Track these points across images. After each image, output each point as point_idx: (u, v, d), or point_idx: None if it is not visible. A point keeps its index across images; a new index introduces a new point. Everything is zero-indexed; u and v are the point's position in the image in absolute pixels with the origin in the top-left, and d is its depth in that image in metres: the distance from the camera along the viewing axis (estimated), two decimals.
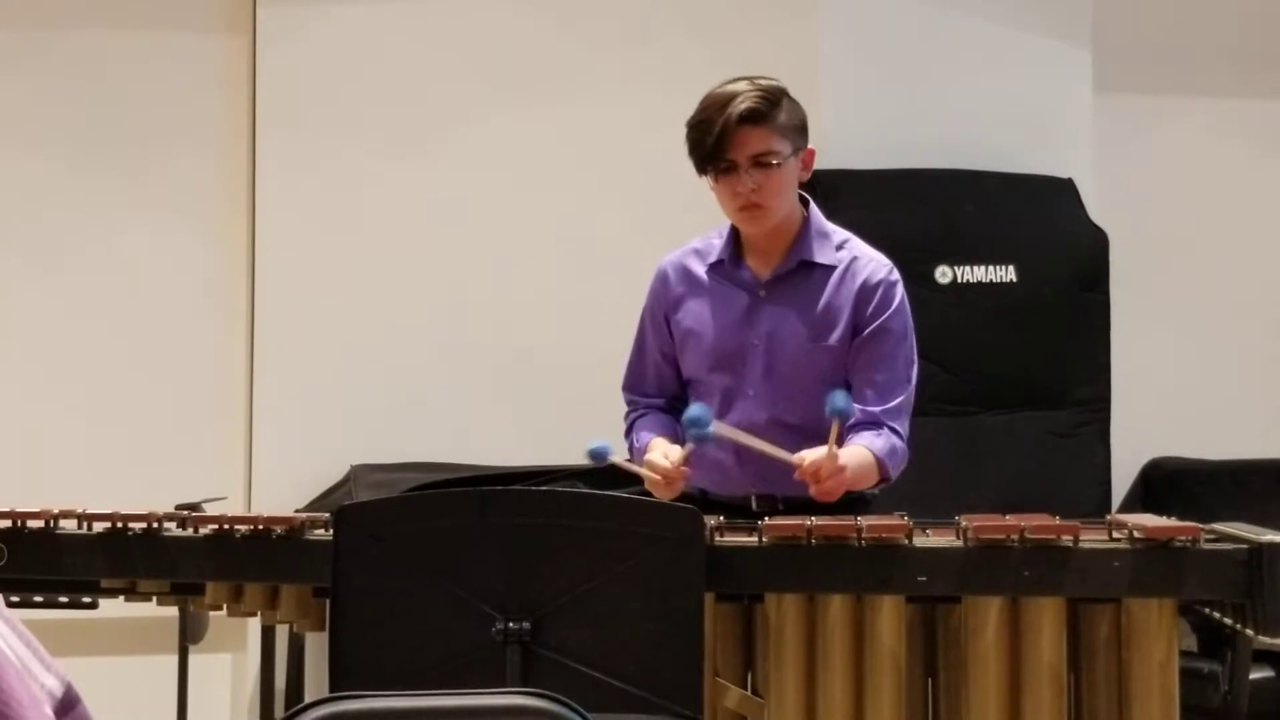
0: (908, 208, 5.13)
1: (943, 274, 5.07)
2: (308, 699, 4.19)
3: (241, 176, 5.05)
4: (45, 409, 4.94)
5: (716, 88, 3.20)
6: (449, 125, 5.09)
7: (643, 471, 3.14)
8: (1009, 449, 5.09)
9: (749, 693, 2.78)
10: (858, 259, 3.27)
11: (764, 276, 3.27)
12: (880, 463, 3.13)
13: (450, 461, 4.90)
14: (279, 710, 4.55)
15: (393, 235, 5.05)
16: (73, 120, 5.01)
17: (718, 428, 3.08)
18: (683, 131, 3.23)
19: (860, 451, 3.10)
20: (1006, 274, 5.10)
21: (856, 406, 3.13)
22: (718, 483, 3.24)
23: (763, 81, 3.20)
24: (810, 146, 3.25)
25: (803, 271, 3.25)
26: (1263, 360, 5.57)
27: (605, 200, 5.07)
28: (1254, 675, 4.44)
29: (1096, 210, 5.27)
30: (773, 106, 3.17)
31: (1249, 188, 5.63)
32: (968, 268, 5.08)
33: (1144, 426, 5.35)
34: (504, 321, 5.05)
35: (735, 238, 3.30)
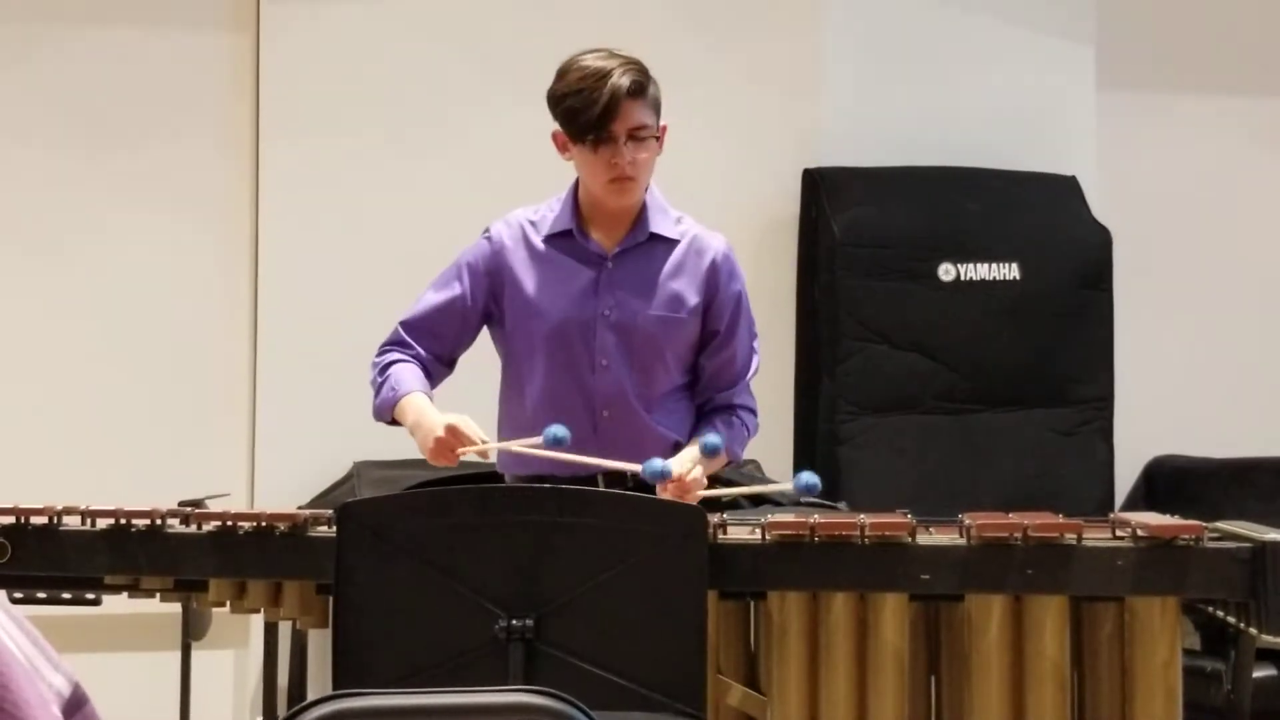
0: (911, 205, 5.13)
1: (945, 272, 5.07)
2: (310, 696, 4.20)
3: (245, 173, 5.05)
4: (49, 406, 4.94)
5: (579, 57, 3.23)
6: (453, 122, 5.09)
7: (508, 448, 3.15)
8: (1012, 447, 5.09)
9: (752, 690, 2.78)
10: (699, 235, 3.33)
11: (610, 249, 3.29)
12: (729, 450, 3.22)
13: None
14: (282, 707, 4.55)
15: (396, 231, 5.05)
16: (76, 117, 5.01)
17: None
18: (682, 130, 3.25)
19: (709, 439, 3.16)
20: (1010, 272, 5.10)
21: (711, 391, 3.29)
22: (559, 462, 3.14)
23: (623, 53, 3.24)
24: (664, 123, 3.27)
25: (649, 244, 3.29)
26: (1266, 358, 5.57)
27: None
28: (1257, 674, 4.44)
29: (1100, 208, 5.27)
30: (648, 81, 3.22)
31: (1253, 185, 5.63)
32: (971, 265, 5.08)
33: (1147, 424, 5.35)
34: None
35: (576, 209, 3.32)
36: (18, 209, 4.98)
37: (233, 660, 5.01)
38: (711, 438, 3.11)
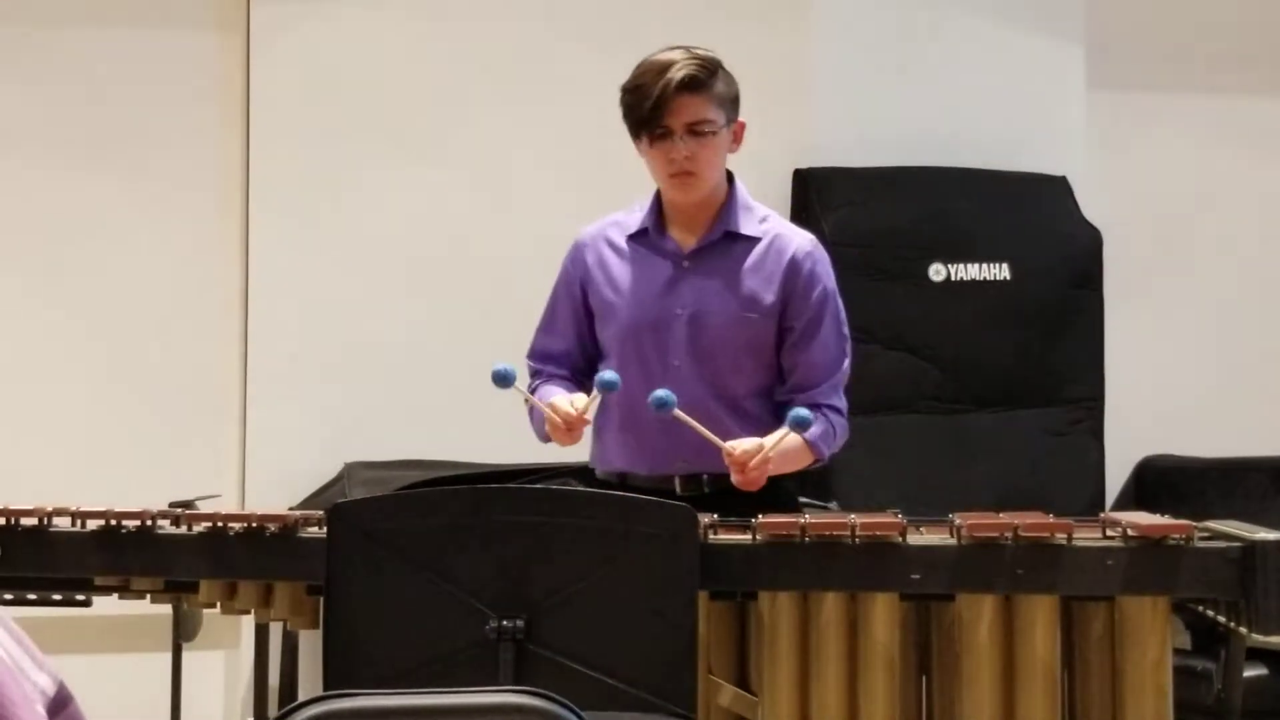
0: (901, 205, 5.14)
1: (936, 272, 5.08)
2: (301, 697, 4.19)
3: (235, 175, 5.05)
4: (39, 407, 4.93)
5: (651, 55, 3.23)
6: (443, 124, 5.09)
7: (545, 410, 3.13)
8: (1003, 447, 5.10)
9: (743, 690, 2.78)
10: (781, 234, 3.29)
11: (688, 247, 3.28)
12: (813, 445, 3.17)
13: (444, 459, 4.90)
14: (272, 708, 4.55)
15: (386, 233, 5.05)
16: (65, 119, 5.00)
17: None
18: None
19: (792, 439, 3.10)
20: (1000, 272, 5.11)
21: (794, 392, 3.22)
22: (640, 461, 3.21)
23: (699, 51, 3.22)
24: (742, 120, 3.26)
25: (727, 243, 3.27)
26: (1256, 358, 5.58)
27: (600, 200, 5.04)
28: (1248, 673, 4.45)
29: (1090, 208, 5.27)
30: (710, 75, 3.19)
31: (1243, 186, 5.63)
32: (961, 265, 5.08)
33: (1138, 424, 5.36)
34: (497, 318, 5.04)
35: (659, 209, 3.31)
36: (6, 211, 4.97)
37: (224, 661, 5.01)
38: (802, 411, 2.99)
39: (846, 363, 3.31)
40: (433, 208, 5.07)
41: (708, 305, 3.23)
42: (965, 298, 5.08)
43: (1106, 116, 5.45)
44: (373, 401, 5.00)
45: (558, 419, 3.10)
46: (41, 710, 1.43)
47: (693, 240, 3.28)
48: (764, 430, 3.18)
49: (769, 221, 3.31)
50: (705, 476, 3.17)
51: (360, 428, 4.96)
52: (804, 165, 5.14)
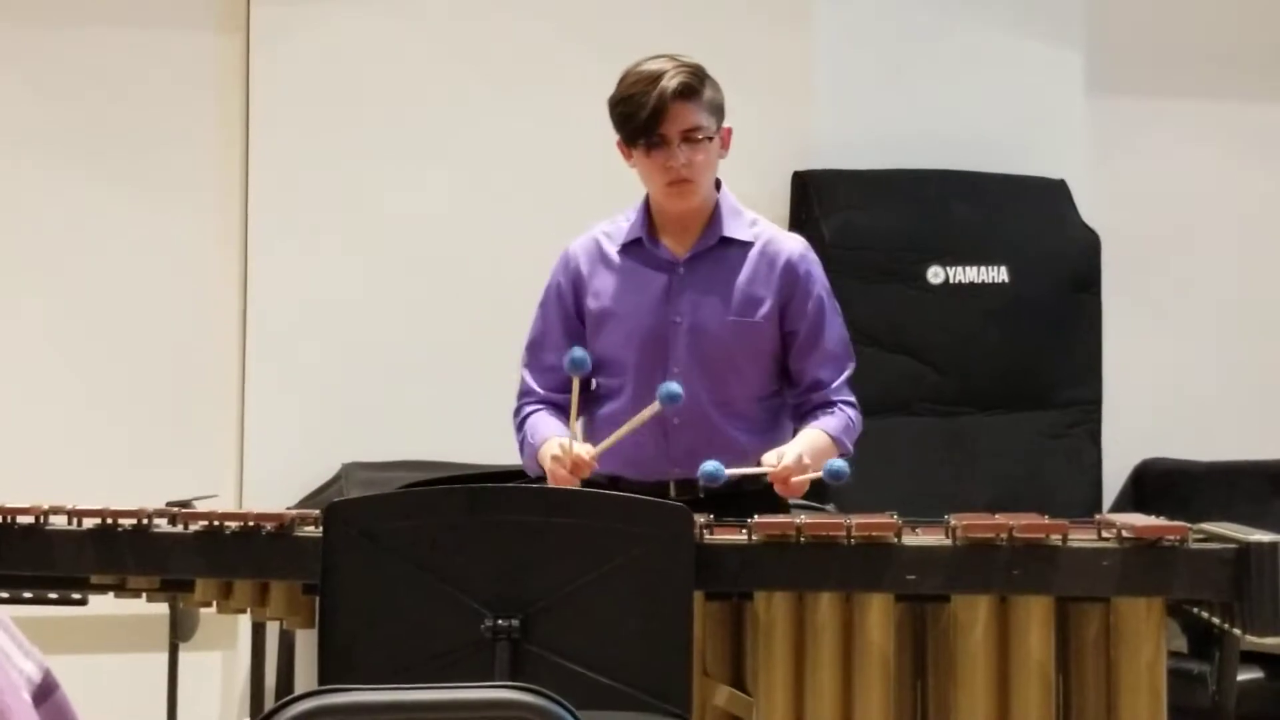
0: (900, 208, 5.14)
1: (935, 274, 5.08)
2: None
3: (235, 175, 5.05)
4: (36, 405, 4.93)
5: (638, 64, 3.22)
6: (442, 124, 5.10)
7: (550, 462, 3.11)
8: (1000, 450, 5.10)
9: (738, 691, 2.78)
10: (773, 238, 3.31)
11: (682, 255, 3.28)
12: (837, 441, 3.21)
13: (441, 460, 4.90)
14: (269, 708, 4.54)
15: (385, 233, 5.06)
16: (66, 118, 5.00)
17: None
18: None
19: (818, 437, 3.17)
20: (999, 275, 5.11)
21: (808, 393, 3.25)
22: (634, 465, 3.20)
23: (685, 59, 3.22)
24: (728, 125, 3.27)
25: (721, 248, 3.28)
26: (1253, 362, 5.58)
27: (599, 201, 5.04)
28: (1243, 677, 4.44)
29: (1089, 212, 5.28)
30: (701, 83, 3.20)
31: (1240, 190, 5.64)
32: (960, 268, 5.09)
33: (1135, 428, 5.36)
34: (495, 319, 5.04)
35: (648, 218, 3.31)
36: (6, 209, 4.97)
37: (220, 661, 5.01)
38: (839, 465, 3.03)
39: (851, 362, 3.34)
40: (431, 209, 5.07)
41: (706, 313, 3.24)
42: (964, 301, 5.09)
43: (1105, 120, 5.45)
44: (370, 402, 5.00)
45: (563, 471, 3.06)
46: (27, 697, 1.43)
47: (686, 248, 3.28)
48: (761, 433, 3.22)
49: (758, 225, 3.33)
50: (700, 481, 3.17)
51: (358, 428, 4.96)
52: (804, 168, 5.14)
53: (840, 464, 3.04)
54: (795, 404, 3.30)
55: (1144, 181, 5.56)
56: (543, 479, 3.22)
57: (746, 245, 3.28)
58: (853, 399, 3.31)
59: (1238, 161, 5.63)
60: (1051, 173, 5.28)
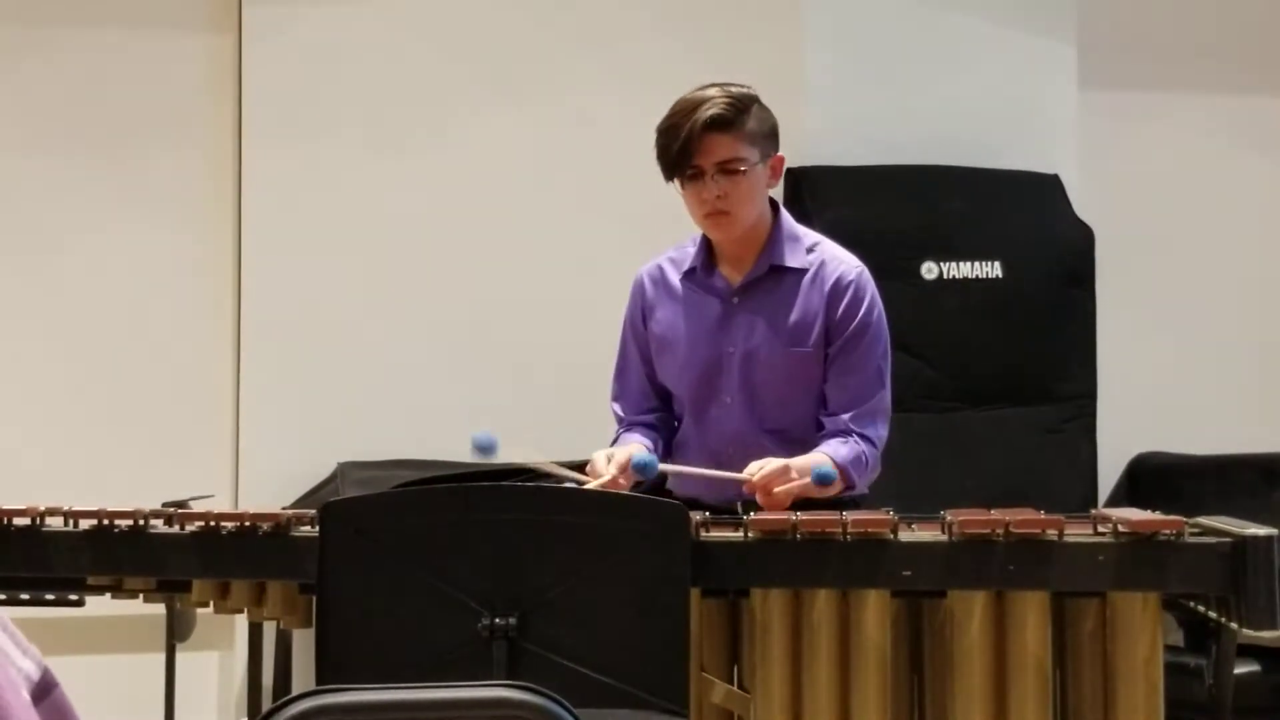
0: (893, 204, 5.14)
1: (928, 270, 5.08)
2: None
3: (228, 174, 5.05)
4: (31, 406, 4.93)
5: (689, 93, 3.19)
6: (434, 123, 5.10)
7: (559, 472, 3.12)
8: (995, 445, 5.10)
9: (735, 688, 2.78)
10: (826, 262, 3.25)
11: (736, 283, 3.26)
12: (843, 471, 3.10)
13: (437, 459, 4.90)
14: (267, 709, 4.54)
15: (379, 232, 5.06)
16: (58, 118, 5.00)
17: (663, 467, 3.14)
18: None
19: (820, 459, 3.09)
20: (992, 270, 5.12)
21: (828, 414, 3.20)
22: (708, 491, 3.22)
23: (734, 89, 3.17)
24: (780, 154, 3.25)
25: (774, 276, 3.25)
26: (1248, 355, 5.59)
27: (593, 200, 5.07)
28: (1239, 670, 4.45)
29: (1082, 206, 5.28)
30: (740, 113, 3.15)
31: (1234, 183, 5.65)
32: (953, 264, 5.09)
33: (1130, 422, 5.37)
34: (491, 319, 5.06)
35: (707, 245, 3.30)
36: None
37: (217, 662, 5.01)
38: (825, 469, 3.01)
39: (884, 394, 3.25)
40: (425, 208, 5.07)
41: (758, 343, 3.22)
42: (958, 296, 5.09)
43: (1098, 115, 5.46)
44: (366, 402, 5.00)
45: (592, 481, 3.06)
46: (26, 695, 1.43)
47: (740, 276, 3.27)
48: None
49: (816, 250, 3.28)
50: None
51: (353, 428, 4.96)
52: (796, 165, 5.14)
53: (828, 468, 3.01)
54: (819, 421, 3.24)
55: (1137, 176, 5.57)
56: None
57: (801, 272, 3.24)
58: (874, 435, 3.21)
59: (1231, 155, 5.64)
60: (1045, 167, 5.29)
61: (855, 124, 5.19)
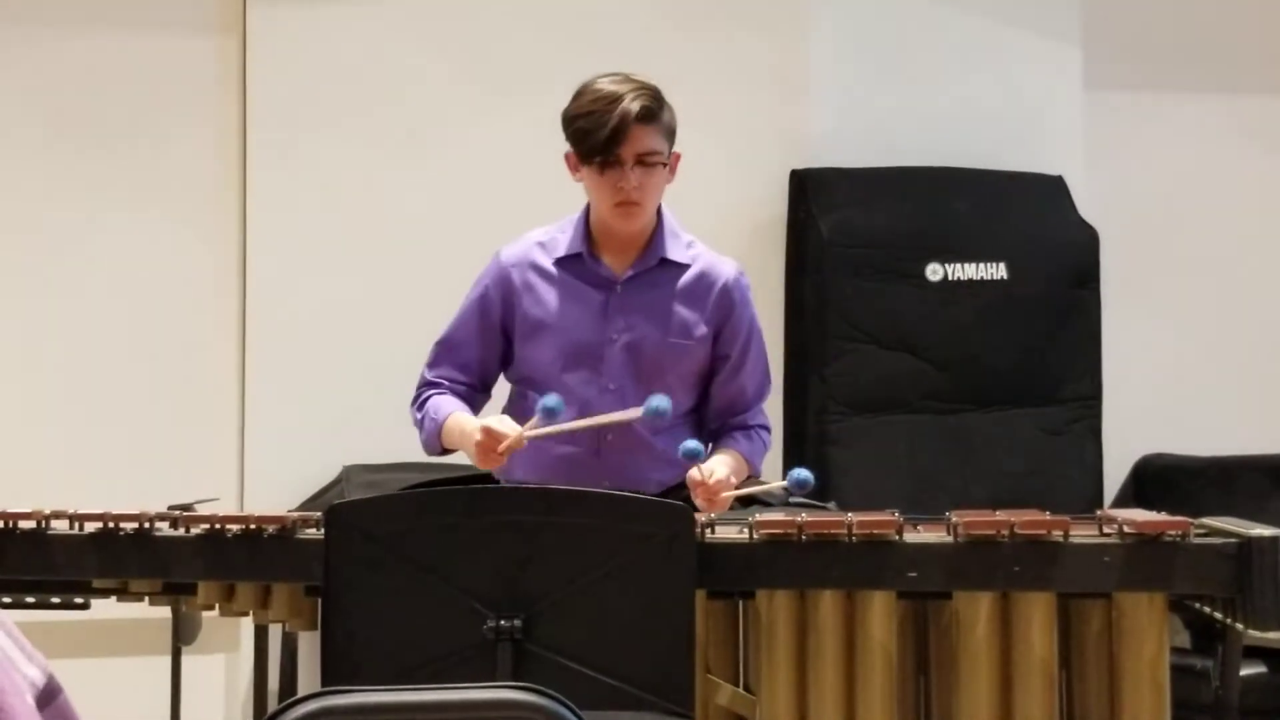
0: (898, 205, 5.14)
1: (933, 271, 5.08)
2: None
3: (233, 177, 5.05)
4: (37, 409, 4.93)
5: (595, 80, 3.25)
6: (440, 125, 5.10)
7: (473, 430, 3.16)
8: (1000, 446, 5.10)
9: (740, 689, 2.78)
10: (710, 262, 3.35)
11: (621, 273, 3.32)
12: (750, 462, 3.34)
13: (442, 461, 4.89)
14: (272, 711, 4.54)
15: (384, 235, 5.06)
16: (63, 120, 5.00)
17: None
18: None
19: (738, 459, 3.30)
20: (997, 271, 5.11)
21: (728, 416, 3.36)
22: (564, 474, 3.21)
23: (640, 79, 3.24)
24: (677, 151, 3.29)
25: (659, 269, 3.32)
26: (1254, 357, 5.58)
27: None
28: (1245, 671, 4.45)
29: (1087, 208, 5.28)
30: (661, 107, 3.23)
31: (1239, 184, 5.64)
32: (958, 265, 5.08)
33: (1136, 423, 5.36)
34: None
35: (587, 233, 3.33)
36: (4, 212, 4.97)
37: (223, 664, 5.01)
38: (690, 444, 3.06)
39: (769, 384, 3.45)
40: (430, 209, 5.07)
41: (642, 332, 3.29)
42: (963, 297, 5.08)
43: (1103, 116, 5.46)
44: (371, 404, 4.99)
45: (493, 440, 3.10)
46: (31, 701, 1.43)
47: (625, 266, 3.33)
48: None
49: (695, 247, 3.37)
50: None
51: (359, 430, 4.96)
52: (801, 166, 5.14)
53: (805, 473, 3.08)
54: (715, 425, 3.39)
55: (1142, 177, 5.56)
56: (443, 454, 3.38)
57: (684, 267, 3.33)
58: (767, 422, 3.43)
59: (1236, 156, 5.63)
60: (1049, 169, 5.29)
61: (860, 126, 5.19)
